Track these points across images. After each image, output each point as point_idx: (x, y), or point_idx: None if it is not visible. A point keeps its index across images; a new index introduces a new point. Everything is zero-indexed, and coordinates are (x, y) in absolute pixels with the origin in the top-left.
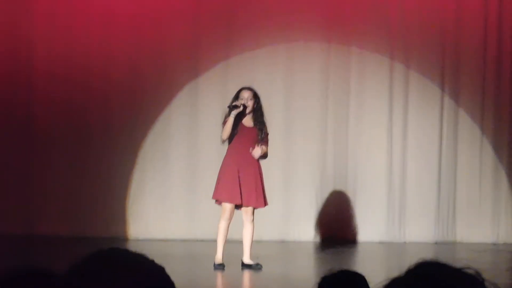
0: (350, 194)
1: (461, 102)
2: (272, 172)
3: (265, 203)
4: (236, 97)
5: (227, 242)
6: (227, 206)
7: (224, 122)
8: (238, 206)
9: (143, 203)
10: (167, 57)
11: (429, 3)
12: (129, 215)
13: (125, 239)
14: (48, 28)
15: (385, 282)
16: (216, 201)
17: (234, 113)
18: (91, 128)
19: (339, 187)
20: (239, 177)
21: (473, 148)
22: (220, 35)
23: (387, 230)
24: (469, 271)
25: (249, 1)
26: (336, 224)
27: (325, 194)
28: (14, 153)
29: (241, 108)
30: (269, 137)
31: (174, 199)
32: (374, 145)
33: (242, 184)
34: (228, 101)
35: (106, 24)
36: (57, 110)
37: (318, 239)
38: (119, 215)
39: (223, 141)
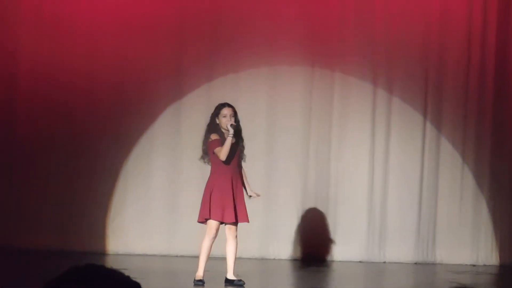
0: (331, 213)
1: (443, 129)
2: (252, 187)
3: (247, 219)
4: (217, 113)
5: (211, 258)
6: (214, 225)
7: (212, 141)
8: (222, 223)
9: (123, 219)
10: (150, 78)
11: (413, 29)
12: (109, 230)
13: (105, 253)
14: (33, 43)
15: None
16: (202, 221)
17: (231, 132)
18: (73, 144)
19: (320, 206)
20: (231, 194)
21: (454, 172)
22: (203, 56)
23: (367, 249)
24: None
25: (233, 23)
26: (316, 242)
27: (306, 212)
28: None
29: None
30: (251, 155)
31: (155, 215)
32: (356, 166)
33: (236, 201)
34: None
35: (90, 43)
36: (41, 126)
37: (298, 257)
38: (99, 230)
39: (205, 157)
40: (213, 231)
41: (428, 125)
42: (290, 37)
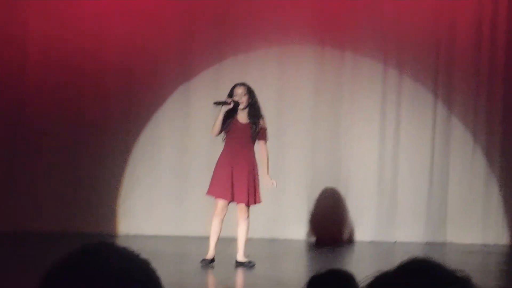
0: (341, 193)
1: (454, 108)
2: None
3: (256, 201)
4: (231, 94)
5: (221, 239)
6: (219, 202)
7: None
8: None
9: (134, 200)
10: (159, 59)
11: (423, 8)
12: (119, 212)
13: (115, 235)
14: (41, 29)
15: (375, 274)
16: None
17: (223, 109)
18: (83, 126)
19: (331, 186)
20: (232, 173)
21: (465, 151)
22: (212, 37)
23: (377, 229)
24: (461, 274)
25: (242, 4)
26: (327, 223)
27: (317, 193)
28: (6, 150)
29: (231, 104)
30: None
31: (165, 196)
32: (366, 146)
33: (235, 181)
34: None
35: (99, 25)
36: (50, 110)
37: (309, 238)
38: (110, 211)
39: (215, 136)
40: (218, 208)
41: (439, 104)
42: (300, 16)
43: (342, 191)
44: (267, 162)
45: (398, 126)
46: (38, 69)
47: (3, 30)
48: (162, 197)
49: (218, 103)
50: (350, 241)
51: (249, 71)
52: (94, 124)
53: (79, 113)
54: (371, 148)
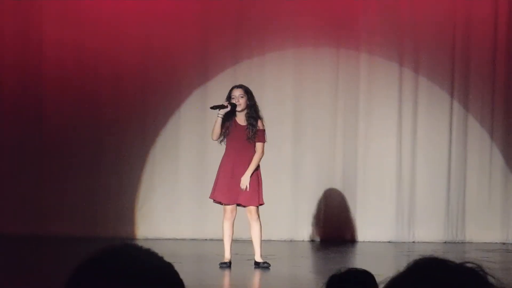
0: (359, 193)
1: (471, 108)
2: (281, 171)
3: (260, 202)
4: (229, 96)
5: (237, 241)
6: (226, 206)
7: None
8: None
9: (152, 203)
10: (176, 61)
11: (439, 8)
12: (138, 215)
13: (134, 239)
14: (58, 31)
15: (385, 282)
16: (214, 201)
17: (221, 112)
18: (101, 129)
19: (349, 187)
20: (233, 176)
21: (483, 150)
22: (228, 39)
23: (396, 229)
24: (470, 265)
25: (257, 6)
26: (345, 224)
27: (335, 193)
28: (24, 152)
29: (228, 107)
30: (278, 138)
31: (183, 199)
32: (384, 146)
33: (236, 183)
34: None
35: (115, 27)
36: (68, 114)
37: (328, 239)
38: (128, 215)
39: (215, 140)
40: (226, 212)
41: (455, 104)
42: (315, 18)
43: (360, 191)
44: (255, 163)
45: (415, 126)
46: (55, 72)
47: (20, 33)
48: (180, 200)
49: (215, 107)
50: (369, 241)
51: (265, 73)
52: (111, 128)
53: (95, 117)
54: (388, 149)
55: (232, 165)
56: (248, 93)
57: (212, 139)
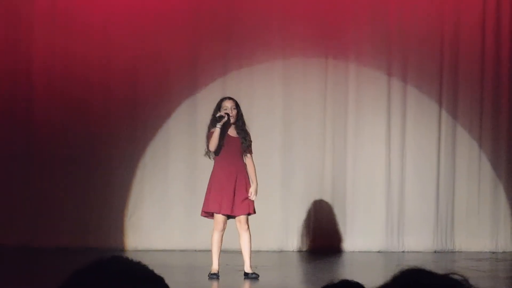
0: (348, 203)
1: (459, 117)
2: (270, 182)
3: (251, 211)
4: (218, 107)
5: (226, 252)
6: (219, 218)
7: (210, 134)
8: (231, 216)
9: (141, 215)
10: (166, 71)
11: (427, 19)
12: (128, 226)
13: (123, 250)
14: (48, 39)
15: None
16: (206, 215)
17: (220, 124)
18: (89, 139)
19: (338, 196)
20: (229, 187)
21: (471, 159)
22: (217, 50)
23: (386, 239)
24: (455, 277)
25: (246, 17)
26: (334, 234)
27: (324, 203)
28: (13, 162)
29: (226, 118)
30: (268, 148)
31: (173, 210)
32: (373, 156)
33: (236, 194)
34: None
35: (105, 36)
36: (57, 123)
37: (317, 249)
38: (118, 226)
39: (209, 153)
40: (219, 224)
41: (444, 113)
42: (304, 29)
43: (349, 201)
44: (255, 175)
45: (404, 135)
46: (44, 81)
47: (9, 39)
48: (170, 211)
49: (219, 118)
50: (358, 251)
51: (254, 84)
52: (101, 138)
53: (85, 125)
54: (377, 159)
55: (228, 177)
56: (237, 105)
57: (210, 150)
